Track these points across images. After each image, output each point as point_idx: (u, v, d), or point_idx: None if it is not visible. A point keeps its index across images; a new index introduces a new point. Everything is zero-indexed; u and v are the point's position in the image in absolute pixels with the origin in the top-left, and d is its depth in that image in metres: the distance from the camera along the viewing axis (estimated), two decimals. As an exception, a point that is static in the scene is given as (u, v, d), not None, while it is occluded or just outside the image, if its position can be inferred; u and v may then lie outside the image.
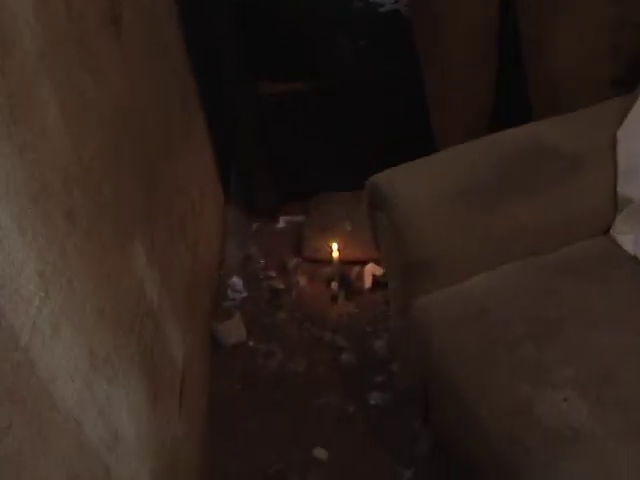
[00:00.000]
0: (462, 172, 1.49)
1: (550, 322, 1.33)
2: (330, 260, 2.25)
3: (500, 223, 1.46)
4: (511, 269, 1.47)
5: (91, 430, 1.02)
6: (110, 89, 1.32)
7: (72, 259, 1.01)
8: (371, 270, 2.24)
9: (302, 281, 2.27)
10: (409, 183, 1.49)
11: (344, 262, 2.25)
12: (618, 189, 1.46)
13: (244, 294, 2.24)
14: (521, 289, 1.43)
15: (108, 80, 1.31)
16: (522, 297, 1.41)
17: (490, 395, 1.25)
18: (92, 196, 1.13)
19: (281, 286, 2.26)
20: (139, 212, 1.42)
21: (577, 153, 1.48)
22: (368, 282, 2.22)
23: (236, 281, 2.26)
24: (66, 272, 0.98)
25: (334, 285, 2.20)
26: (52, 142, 1.00)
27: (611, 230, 1.51)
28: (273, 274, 2.32)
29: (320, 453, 1.79)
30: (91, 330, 1.06)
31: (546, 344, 1.28)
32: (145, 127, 1.56)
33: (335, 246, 2.22)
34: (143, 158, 1.50)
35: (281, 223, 2.52)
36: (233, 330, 2.09)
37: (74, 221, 1.04)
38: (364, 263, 2.26)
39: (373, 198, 1.55)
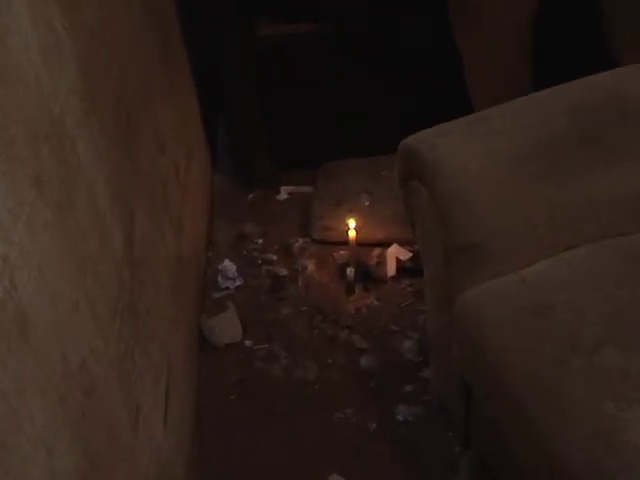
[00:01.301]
0: (523, 132, 1.45)
1: (635, 322, 1.29)
2: (345, 241, 2.21)
3: (570, 196, 1.42)
4: (582, 254, 1.42)
5: (64, 458, 0.97)
6: (84, 25, 1.27)
7: (42, 239, 0.96)
8: (395, 253, 2.21)
9: (310, 267, 2.24)
10: (455, 146, 1.45)
11: (362, 244, 2.22)
12: None
13: (238, 282, 2.21)
14: (595, 280, 1.38)
15: (82, 14, 1.26)
16: (597, 290, 1.36)
17: (562, 409, 1.21)
18: (64, 158, 1.08)
19: (284, 272, 2.23)
20: (117, 178, 1.37)
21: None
22: (392, 269, 2.18)
23: (228, 266, 2.23)
24: (35, 255, 0.93)
25: (350, 272, 2.16)
26: (15, 89, 0.94)
27: None
28: (274, 257, 2.28)
29: (336, 482, 1.76)
30: (64, 329, 1.01)
31: (633, 349, 1.23)
32: (123, 73, 1.51)
33: (351, 224, 2.19)
34: (121, 110, 1.46)
35: (283, 194, 2.48)
36: (226, 327, 2.05)
37: (43, 190, 0.98)
38: (386, 245, 2.23)
39: (408, 165, 1.51)
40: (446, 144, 1.46)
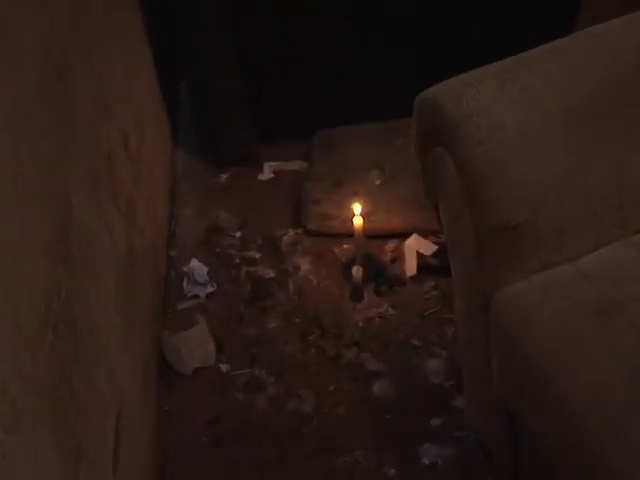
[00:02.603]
0: (578, 76, 1.45)
1: None
2: (349, 232, 2.22)
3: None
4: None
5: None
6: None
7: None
8: (415, 246, 2.21)
9: (304, 266, 2.26)
10: (489, 98, 1.45)
11: (371, 235, 2.23)
12: None
13: (210, 288, 2.23)
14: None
15: None
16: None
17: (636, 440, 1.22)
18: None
19: (270, 275, 2.25)
20: (47, 149, 1.36)
21: None
22: (411, 266, 2.19)
23: (197, 267, 2.24)
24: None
25: (356, 272, 2.17)
26: None
27: None
28: (257, 255, 2.30)
29: None
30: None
31: None
32: (52, 12, 1.51)
33: (357, 209, 2.19)
34: (50, 59, 1.45)
35: (266, 173, 2.50)
36: (195, 347, 2.07)
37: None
38: (404, 236, 2.25)
39: (428, 125, 1.52)
40: (477, 96, 1.46)
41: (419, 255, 2.20)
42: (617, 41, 1.49)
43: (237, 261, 2.29)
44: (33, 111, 1.33)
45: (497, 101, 1.45)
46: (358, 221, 2.17)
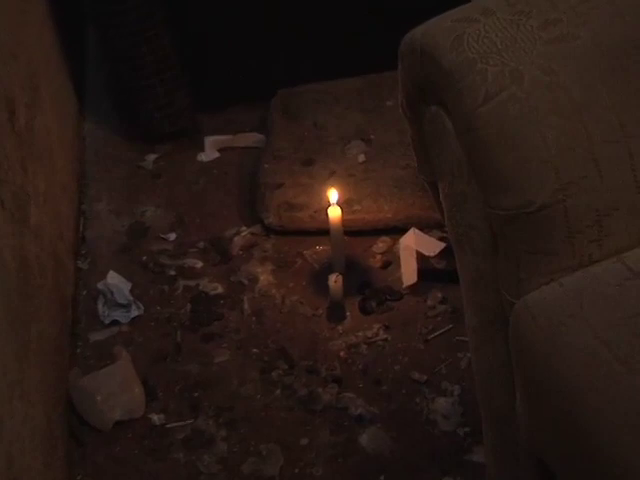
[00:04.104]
0: (623, 6, 1.46)
1: None
2: (323, 228, 2.24)
3: None
4: None
5: None
6: None
7: None
8: (414, 245, 2.22)
9: (264, 277, 2.27)
10: (499, 38, 1.46)
11: (354, 231, 2.26)
12: None
13: (135, 311, 2.23)
14: None
15: None
16: None
17: None
18: None
19: (218, 290, 2.26)
20: None
21: None
22: (410, 273, 2.21)
23: (116, 283, 2.25)
24: None
25: (335, 282, 2.18)
26: None
27: None
28: (198, 264, 2.32)
29: None
30: None
31: None
32: None
33: (333, 196, 2.20)
34: None
35: (209, 151, 2.52)
36: (115, 391, 2.06)
37: None
38: (398, 232, 2.26)
39: (419, 76, 1.53)
40: (483, 34, 1.46)
41: (420, 257, 2.21)
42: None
43: (172, 273, 2.31)
44: None
45: (510, 41, 1.46)
46: (335, 212, 2.18)
